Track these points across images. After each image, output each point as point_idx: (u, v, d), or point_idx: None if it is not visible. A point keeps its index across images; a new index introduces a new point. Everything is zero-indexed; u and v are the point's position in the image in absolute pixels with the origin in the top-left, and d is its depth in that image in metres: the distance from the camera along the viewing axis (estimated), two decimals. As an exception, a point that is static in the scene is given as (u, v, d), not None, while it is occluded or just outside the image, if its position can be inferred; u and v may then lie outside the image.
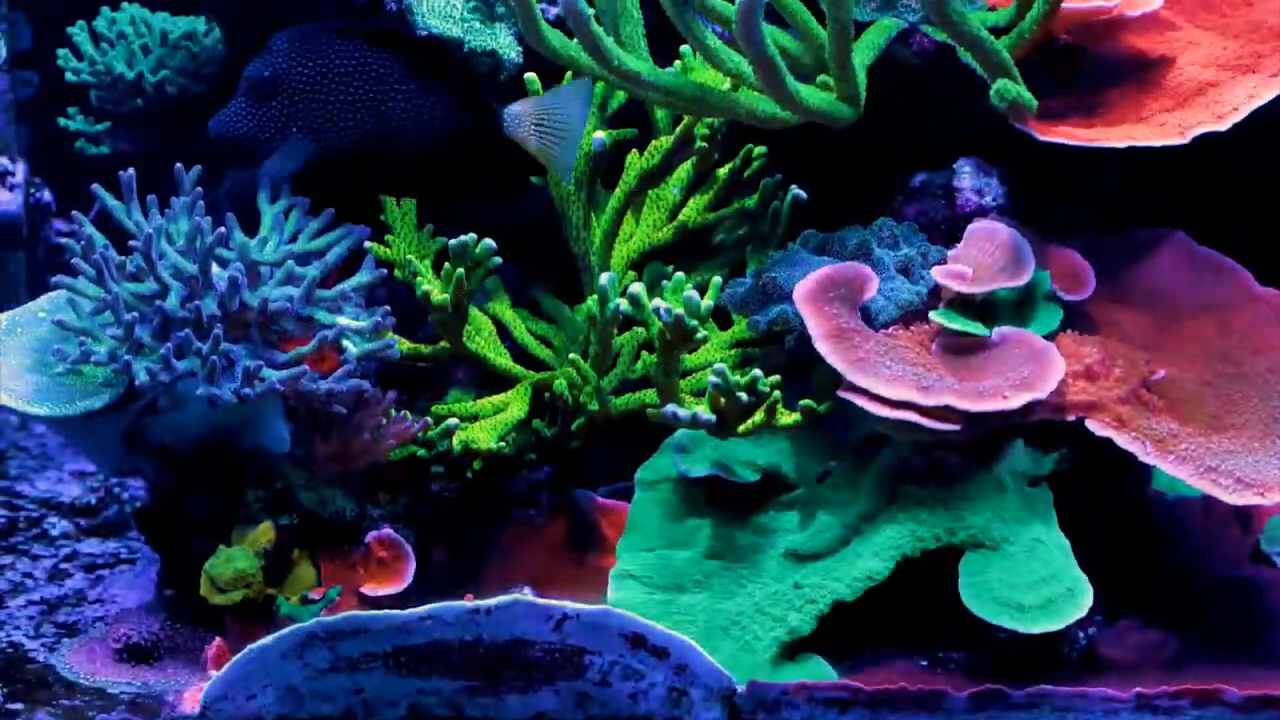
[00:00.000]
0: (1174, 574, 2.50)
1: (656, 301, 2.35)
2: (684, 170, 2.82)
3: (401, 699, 2.10)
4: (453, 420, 2.64)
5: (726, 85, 2.51)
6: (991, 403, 2.23)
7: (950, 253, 2.48)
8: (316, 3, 2.89)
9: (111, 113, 3.37)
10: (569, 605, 2.04)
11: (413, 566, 2.58)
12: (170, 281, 2.46)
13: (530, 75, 2.73)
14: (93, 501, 3.18)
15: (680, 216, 2.82)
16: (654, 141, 2.75)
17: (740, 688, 2.10)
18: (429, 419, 2.67)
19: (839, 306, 2.35)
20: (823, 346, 2.29)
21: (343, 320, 2.54)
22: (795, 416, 2.40)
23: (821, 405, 2.39)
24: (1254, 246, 2.61)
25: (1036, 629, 2.18)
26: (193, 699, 2.11)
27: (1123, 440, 2.26)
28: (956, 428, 2.25)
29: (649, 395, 2.64)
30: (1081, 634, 2.30)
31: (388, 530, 2.60)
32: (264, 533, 2.52)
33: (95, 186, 2.57)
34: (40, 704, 2.40)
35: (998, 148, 2.60)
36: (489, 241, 2.57)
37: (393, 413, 2.62)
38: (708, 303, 2.36)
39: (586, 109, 2.60)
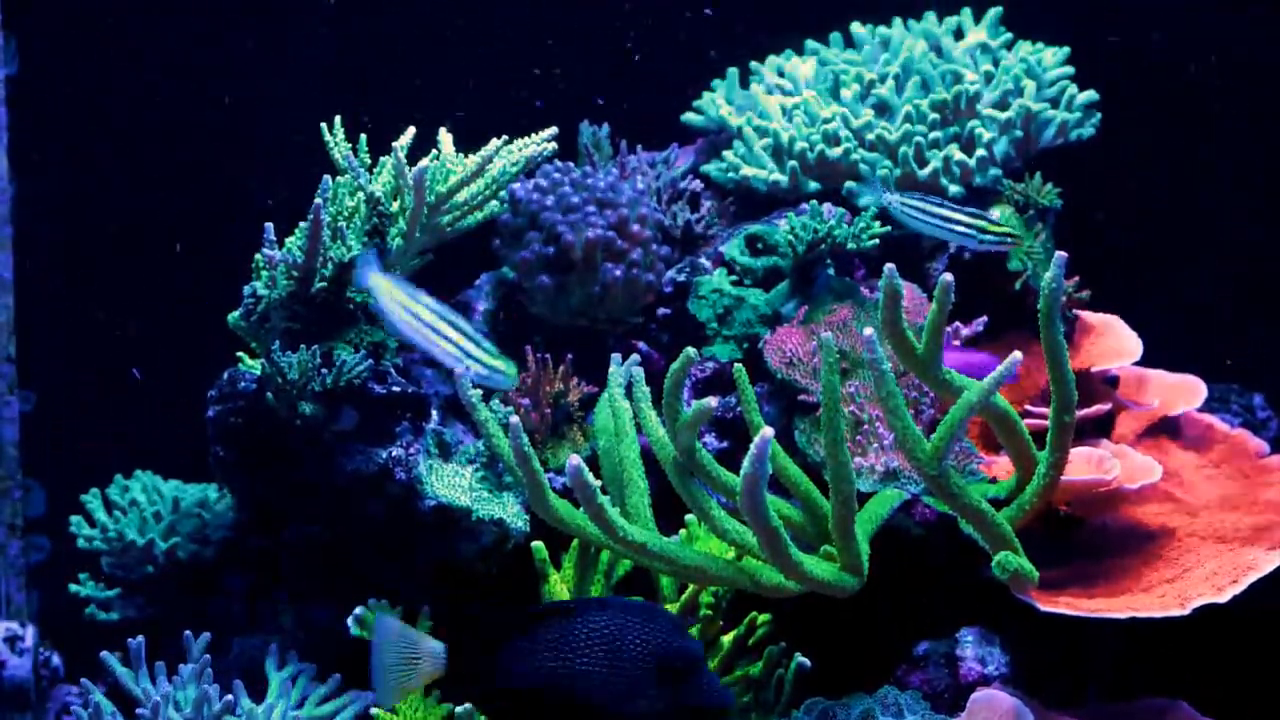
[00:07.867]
0: None
1: (664, 773, 2.33)
2: (689, 638, 2.83)
3: None
4: None
5: (731, 554, 2.55)
6: None
7: (954, 721, 2.49)
8: (331, 454, 2.96)
9: (122, 579, 3.38)
10: None
11: None
12: (175, 749, 2.47)
13: (537, 544, 2.77)
14: None
15: (686, 684, 2.82)
16: (660, 609, 2.76)
17: None
18: None
19: (843, 775, 2.35)
20: (829, 817, 2.28)
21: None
22: None
23: None
24: (1259, 704, 2.62)
25: None
26: None
27: None
28: None
29: None
30: None
31: None
32: None
33: (104, 655, 2.60)
34: None
35: (1000, 615, 2.62)
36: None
37: None
38: (714, 772, 2.35)
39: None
